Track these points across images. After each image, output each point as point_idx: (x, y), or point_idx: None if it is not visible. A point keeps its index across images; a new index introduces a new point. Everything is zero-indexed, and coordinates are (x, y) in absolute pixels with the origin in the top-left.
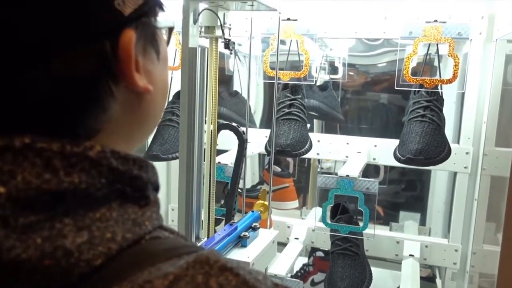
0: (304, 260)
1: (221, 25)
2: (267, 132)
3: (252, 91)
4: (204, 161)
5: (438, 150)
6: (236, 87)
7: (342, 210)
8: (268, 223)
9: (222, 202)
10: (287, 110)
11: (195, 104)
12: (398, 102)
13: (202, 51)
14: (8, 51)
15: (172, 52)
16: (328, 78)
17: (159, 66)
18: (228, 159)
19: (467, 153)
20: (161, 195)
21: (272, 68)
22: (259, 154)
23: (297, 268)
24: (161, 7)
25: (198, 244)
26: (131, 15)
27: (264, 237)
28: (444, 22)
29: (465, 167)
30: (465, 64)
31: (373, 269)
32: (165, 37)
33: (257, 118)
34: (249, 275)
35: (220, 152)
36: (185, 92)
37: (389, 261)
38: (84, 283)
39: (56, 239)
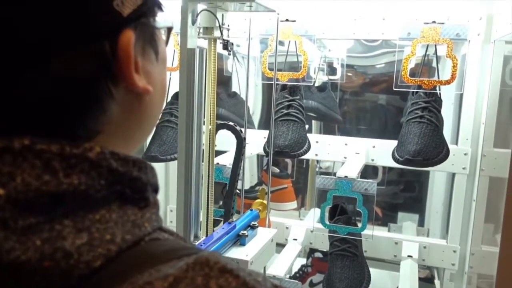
0: (303, 261)
1: (219, 26)
2: (265, 133)
3: (251, 92)
4: (202, 162)
5: (437, 151)
6: (234, 88)
7: (340, 211)
8: (267, 224)
9: (221, 203)
10: (285, 111)
11: (194, 105)
12: (396, 103)
13: (201, 52)
14: (8, 52)
15: (171, 53)
16: (327, 79)
17: (158, 67)
18: (226, 160)
19: (465, 154)
20: (160, 196)
21: (271, 69)
22: (258, 155)
23: (295, 269)
24: (160, 7)
25: (197, 243)
26: (130, 16)
27: (262, 236)
28: (442, 23)
29: (464, 168)
30: (463, 65)
31: (371, 270)
32: (163, 37)
33: (256, 119)
34: (249, 276)
35: (219, 153)
36: (184, 93)
37: (387, 262)
38: (83, 285)
39: (56, 240)
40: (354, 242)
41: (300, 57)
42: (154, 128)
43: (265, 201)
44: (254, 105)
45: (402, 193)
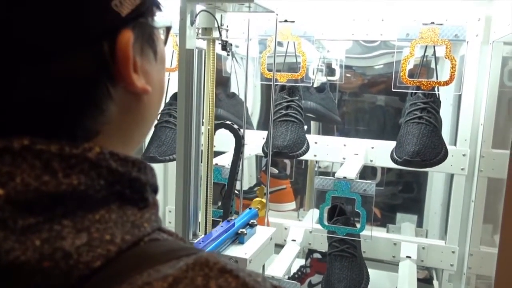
0: (301, 262)
1: (218, 26)
2: (264, 133)
3: (249, 93)
4: (201, 162)
5: (435, 152)
6: (233, 88)
7: (339, 212)
8: (266, 224)
9: (219, 204)
10: (284, 112)
11: (192, 105)
12: (395, 104)
13: (199, 52)
14: (7, 52)
15: (170, 53)
16: (325, 79)
17: (157, 66)
18: (225, 160)
19: (464, 155)
20: (159, 196)
21: (270, 70)
22: (256, 156)
23: (294, 270)
24: (158, 7)
25: (196, 241)
26: (129, 16)
27: (261, 234)
28: (441, 24)
29: (462, 169)
30: (462, 66)
31: (370, 270)
32: (162, 37)
33: (254, 119)
34: (249, 277)
35: (217, 153)
36: (182, 93)
37: (386, 262)
38: (83, 285)
39: (55, 241)
40: (352, 243)
41: (299, 58)
42: (153, 129)
43: (264, 200)
44: (253, 106)
45: (400, 194)
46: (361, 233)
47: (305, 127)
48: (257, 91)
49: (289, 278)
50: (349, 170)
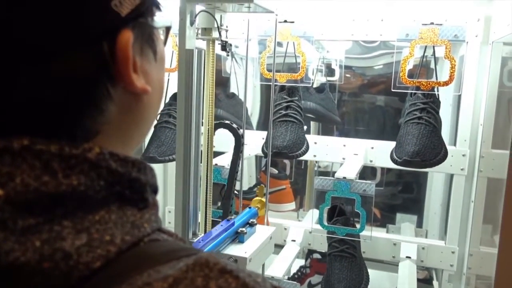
0: (301, 262)
1: (218, 27)
2: (264, 134)
3: (249, 93)
4: (201, 163)
5: (435, 152)
6: (233, 89)
7: (339, 212)
8: (265, 224)
9: (219, 204)
10: (284, 112)
11: (192, 106)
12: (394, 104)
13: (199, 53)
14: (7, 52)
15: (169, 54)
16: (325, 80)
17: (156, 66)
18: (225, 161)
19: (463, 155)
20: (158, 197)
21: (269, 70)
22: (256, 156)
23: (294, 270)
24: (158, 6)
25: (195, 239)
26: (128, 16)
27: (261, 233)
28: (441, 24)
29: (462, 169)
30: (461, 67)
31: (370, 271)
32: (162, 37)
33: (254, 120)
34: (249, 277)
35: (217, 154)
36: (182, 94)
37: (386, 263)
38: (83, 286)
39: (55, 241)
40: (352, 243)
41: (298, 58)
42: (153, 129)
43: (263, 199)
44: (253, 106)
45: (400, 194)
46: (360, 234)
47: (305, 127)
48: (256, 92)
49: (289, 279)
50: (349, 171)
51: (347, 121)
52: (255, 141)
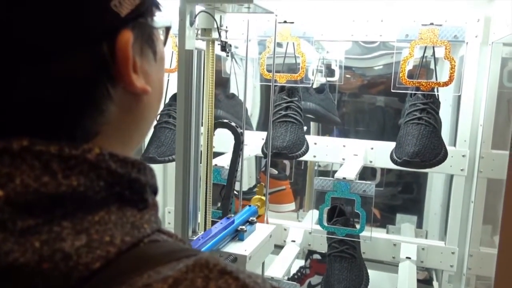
0: (301, 262)
1: (217, 27)
2: (263, 134)
3: (249, 94)
4: (200, 163)
5: (435, 153)
6: (233, 89)
7: (338, 213)
8: (265, 223)
9: (219, 204)
10: (283, 113)
11: (192, 106)
12: (394, 105)
13: (199, 53)
14: (7, 52)
15: (169, 54)
16: (325, 80)
17: (156, 67)
18: (224, 161)
19: (463, 155)
20: (158, 197)
21: (269, 71)
22: (256, 157)
23: (294, 270)
24: (157, 7)
25: (195, 237)
26: (128, 16)
27: (261, 231)
28: (440, 25)
29: (462, 170)
30: (461, 67)
31: (370, 271)
32: (162, 37)
33: (254, 120)
34: (249, 278)
35: (217, 154)
36: (182, 94)
37: (386, 263)
38: (82, 287)
39: (55, 242)
40: (352, 244)
41: (298, 58)
42: (153, 129)
43: (263, 197)
44: (253, 107)
45: (400, 195)
46: (360, 234)
47: (305, 128)
48: (256, 92)
49: (288, 279)
50: (349, 171)
51: (347, 121)
52: (255, 141)
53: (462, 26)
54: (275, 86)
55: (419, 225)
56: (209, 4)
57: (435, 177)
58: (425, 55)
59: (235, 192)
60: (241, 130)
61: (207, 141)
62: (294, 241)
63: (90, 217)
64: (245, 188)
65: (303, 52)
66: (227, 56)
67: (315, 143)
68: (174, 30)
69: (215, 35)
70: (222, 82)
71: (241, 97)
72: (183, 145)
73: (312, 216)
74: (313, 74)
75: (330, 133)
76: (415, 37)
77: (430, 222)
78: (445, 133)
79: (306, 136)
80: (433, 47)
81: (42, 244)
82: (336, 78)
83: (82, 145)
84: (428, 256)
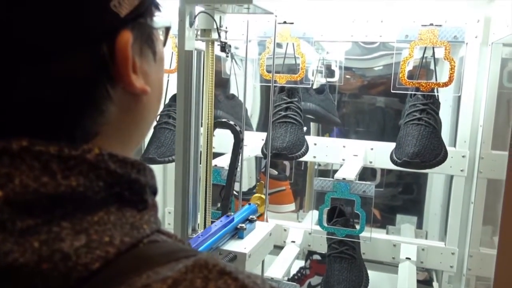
0: (301, 263)
1: (217, 28)
2: (263, 135)
3: (249, 94)
4: (200, 164)
5: (435, 153)
6: (232, 90)
7: (338, 213)
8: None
9: (219, 205)
10: (283, 113)
11: (191, 107)
12: (394, 105)
13: (198, 54)
14: (6, 52)
15: (169, 55)
16: (325, 81)
17: (156, 67)
18: (224, 162)
19: (463, 156)
20: (158, 198)
21: (269, 71)
22: (256, 157)
23: (293, 271)
24: (157, 7)
25: (195, 235)
26: (127, 16)
27: (261, 229)
28: (440, 25)
29: (462, 170)
30: (461, 68)
31: (369, 272)
32: (161, 37)
33: (254, 121)
34: (248, 279)
35: (217, 155)
36: (181, 95)
37: (386, 264)
38: (81, 287)
39: (54, 242)
40: (352, 244)
41: (298, 59)
42: (152, 130)
43: (263, 196)
44: (253, 107)
45: (400, 195)
46: (360, 235)
47: (305, 128)
48: (256, 93)
49: (288, 280)
50: (349, 172)
51: (347, 122)
52: (254, 142)
53: (462, 27)
54: (275, 86)
55: (419, 225)
56: (209, 4)
57: (435, 177)
58: (425, 55)
59: (235, 192)
60: (240, 129)
61: (207, 141)
62: (294, 241)
63: (90, 218)
64: (245, 188)
65: (303, 52)
66: (227, 56)
67: (315, 144)
68: (174, 31)
69: (214, 35)
70: (222, 82)
71: (241, 98)
72: (183, 145)
73: (312, 216)
74: (313, 75)
75: (330, 132)
76: (415, 38)
77: (430, 223)
78: (445, 134)
79: (306, 137)
80: (433, 48)
81: (41, 244)
82: (336, 78)
83: (81, 145)
84: (428, 256)
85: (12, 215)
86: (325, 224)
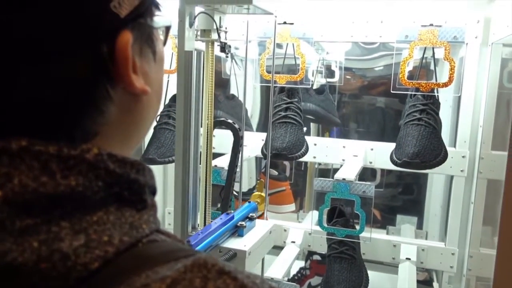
0: (301, 263)
1: (217, 28)
2: (263, 135)
3: (249, 95)
4: (200, 164)
5: (435, 154)
6: (233, 90)
7: (338, 214)
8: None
9: (219, 205)
10: (283, 114)
11: (191, 107)
12: (394, 106)
13: (198, 54)
14: (6, 53)
15: (168, 55)
16: (325, 81)
17: (156, 66)
18: (224, 162)
19: (463, 156)
20: (158, 198)
21: (269, 72)
22: (256, 158)
23: (294, 271)
24: (157, 6)
25: (194, 233)
26: (127, 17)
27: (260, 227)
28: (440, 26)
29: (462, 171)
30: (461, 68)
31: (370, 272)
32: (161, 37)
33: (254, 121)
34: (247, 279)
35: (216, 155)
36: (181, 95)
37: (386, 264)
38: (80, 287)
39: (53, 242)
40: (352, 245)
41: (298, 59)
42: (152, 130)
43: (263, 194)
44: (253, 108)
45: (400, 196)
46: (360, 235)
47: (305, 128)
48: (256, 93)
49: (288, 280)
50: (348, 172)
51: (347, 122)
52: (255, 142)
53: (462, 27)
54: (275, 87)
55: (419, 226)
56: (209, 5)
57: (435, 178)
58: (425, 56)
59: (234, 193)
60: (238, 127)
61: (207, 142)
62: (294, 242)
63: (89, 217)
64: (245, 189)
65: (303, 53)
66: (227, 57)
67: (315, 144)
68: (174, 31)
69: (214, 36)
70: (222, 83)
71: (241, 98)
72: (183, 146)
73: (312, 217)
74: (313, 75)
75: (329, 131)
76: (414, 38)
77: (430, 223)
78: (445, 134)
79: (306, 137)
80: (433, 48)
81: (40, 244)
82: (336, 79)
83: (81, 145)
84: (428, 257)
85: (11, 214)
86: (325, 225)
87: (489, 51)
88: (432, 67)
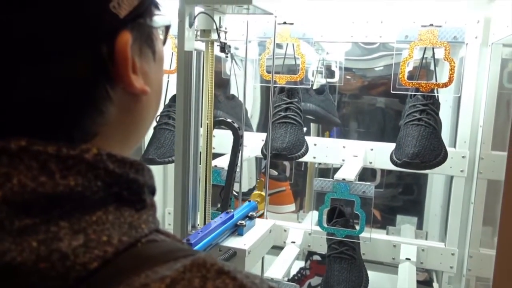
0: (301, 264)
1: (217, 28)
2: (263, 135)
3: (249, 95)
4: (200, 164)
5: (435, 154)
6: (233, 90)
7: (338, 214)
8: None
9: (219, 205)
10: (283, 114)
11: (191, 107)
12: (394, 106)
13: (198, 54)
14: (6, 53)
15: (168, 55)
16: (325, 81)
17: (155, 66)
18: (224, 162)
19: (463, 156)
20: (158, 199)
21: (269, 72)
22: (256, 158)
23: (293, 272)
24: (156, 6)
25: (194, 231)
26: (127, 17)
27: (260, 226)
28: (440, 26)
29: (462, 171)
30: (461, 68)
31: (369, 272)
32: (161, 36)
33: (254, 122)
34: (246, 278)
35: (216, 155)
36: (181, 95)
37: (386, 264)
38: (80, 287)
39: (52, 242)
40: (352, 245)
41: (298, 59)
42: (152, 131)
43: (263, 193)
44: (253, 108)
45: (400, 196)
46: (360, 235)
47: (305, 129)
48: (256, 93)
49: (288, 280)
50: (348, 172)
51: (347, 122)
52: (254, 142)
53: (462, 27)
54: (275, 87)
55: (419, 226)
56: (208, 5)
57: (435, 178)
58: (425, 56)
59: (234, 193)
60: (238, 126)
61: (207, 142)
62: (294, 242)
63: (88, 217)
64: (245, 189)
65: (302, 53)
66: (227, 57)
67: (315, 144)
68: (174, 31)
69: (214, 36)
70: (222, 83)
71: (241, 98)
72: (183, 146)
73: (312, 217)
74: (313, 75)
75: (329, 131)
76: (414, 38)
77: (430, 223)
78: (445, 134)
79: (306, 137)
80: (433, 48)
81: (39, 243)
82: (336, 79)
83: (80, 145)
84: (428, 257)
85: (10, 214)
86: (325, 225)
87: (489, 51)
88: (432, 67)
